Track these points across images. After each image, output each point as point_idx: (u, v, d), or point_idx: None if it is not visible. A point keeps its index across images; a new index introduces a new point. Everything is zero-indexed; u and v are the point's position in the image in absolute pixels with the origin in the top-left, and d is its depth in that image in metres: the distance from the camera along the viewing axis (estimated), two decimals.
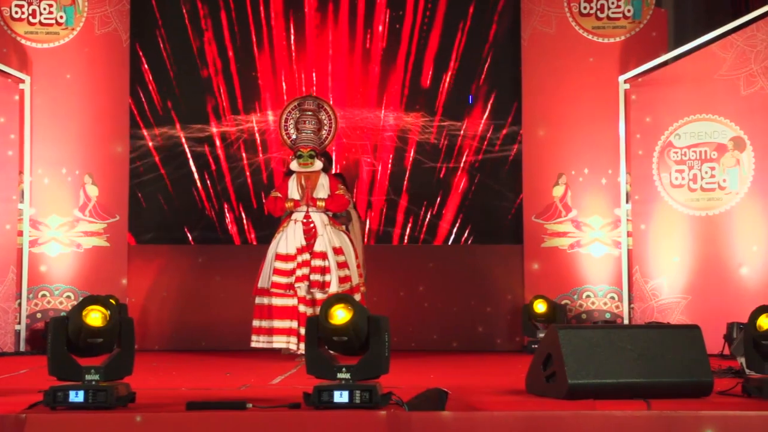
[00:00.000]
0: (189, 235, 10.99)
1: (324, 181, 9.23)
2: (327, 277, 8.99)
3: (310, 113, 9.33)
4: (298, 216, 9.15)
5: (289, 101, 9.72)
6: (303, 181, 9.21)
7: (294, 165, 9.27)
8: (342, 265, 9.09)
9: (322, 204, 9.16)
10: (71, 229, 10.49)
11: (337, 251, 9.10)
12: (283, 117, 9.48)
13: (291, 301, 9.01)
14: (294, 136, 9.37)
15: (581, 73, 10.54)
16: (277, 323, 9.00)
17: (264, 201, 9.64)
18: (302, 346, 8.54)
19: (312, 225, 9.11)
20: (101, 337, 5.20)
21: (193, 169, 10.98)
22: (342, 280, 9.04)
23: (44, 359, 5.29)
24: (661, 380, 5.55)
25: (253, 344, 9.08)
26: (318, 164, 9.22)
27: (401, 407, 5.06)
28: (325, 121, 9.41)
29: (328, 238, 9.10)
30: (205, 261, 10.92)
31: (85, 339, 5.19)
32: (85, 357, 5.27)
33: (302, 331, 8.71)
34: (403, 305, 10.69)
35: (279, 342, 8.99)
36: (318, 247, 9.04)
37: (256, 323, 9.09)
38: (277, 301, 9.04)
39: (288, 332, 8.98)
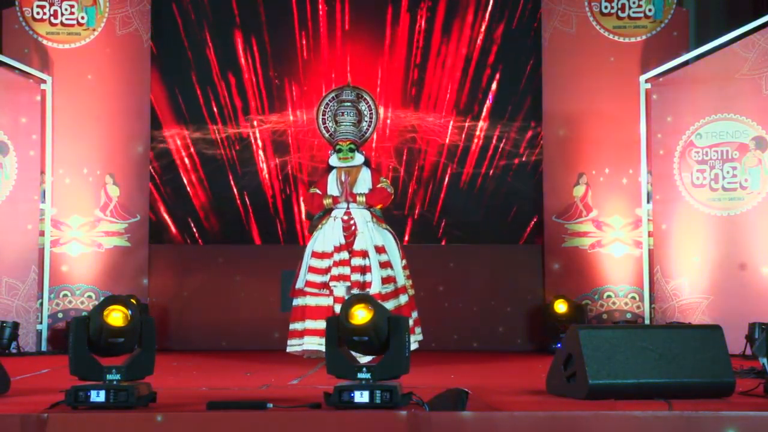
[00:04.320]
0: (210, 234, 11.00)
1: (366, 175, 8.70)
2: (367, 277, 8.41)
3: (348, 104, 8.80)
4: (338, 213, 8.61)
5: (326, 92, 9.21)
6: (343, 177, 8.66)
7: (333, 160, 8.73)
8: (384, 265, 8.49)
9: (362, 200, 8.60)
10: (92, 229, 10.53)
11: (380, 250, 8.52)
12: (320, 109, 8.97)
13: (326, 301, 8.46)
14: (332, 129, 8.87)
15: (602, 72, 10.52)
16: (310, 324, 8.41)
17: (302, 198, 9.19)
18: None
19: (352, 222, 8.56)
20: (122, 336, 5.23)
21: (215, 168, 10.99)
22: (385, 280, 8.45)
23: (66, 359, 5.32)
24: (682, 380, 5.54)
25: (289, 349, 8.52)
26: (359, 158, 8.69)
27: (422, 407, 5.06)
28: (365, 113, 8.88)
29: (369, 235, 8.54)
30: (225, 261, 10.94)
31: (106, 339, 5.21)
32: (106, 357, 5.30)
33: None
34: (423, 305, 10.63)
35: (310, 344, 8.38)
36: (358, 245, 8.49)
37: (292, 326, 8.55)
38: (310, 301, 8.49)
39: (322, 334, 8.09)
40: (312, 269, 8.50)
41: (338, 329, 5.32)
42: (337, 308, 8.24)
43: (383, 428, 4.88)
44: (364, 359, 6.75)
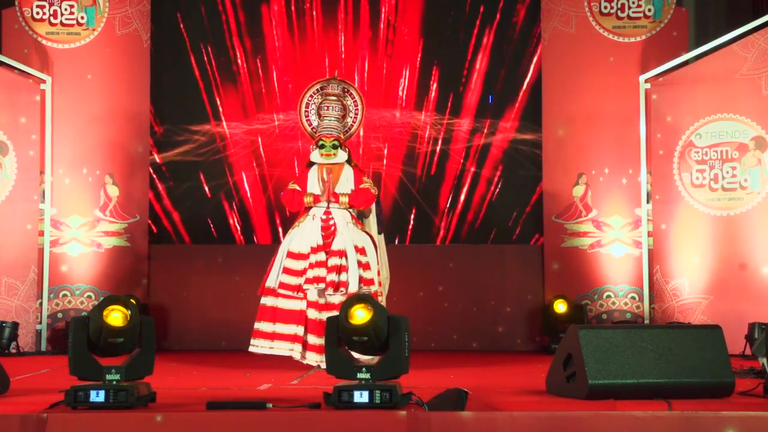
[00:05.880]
0: (210, 234, 11.00)
1: (348, 174, 8.31)
2: (343, 277, 8.01)
3: (334, 98, 8.41)
4: (318, 212, 8.20)
5: (310, 84, 8.75)
6: (325, 174, 8.26)
7: (315, 156, 8.32)
8: (364, 267, 8.07)
9: (345, 200, 8.19)
10: (92, 229, 10.53)
11: (359, 251, 8.10)
12: (304, 102, 8.58)
13: (299, 305, 8.05)
14: (315, 124, 8.49)
15: (601, 72, 10.52)
16: (281, 327, 8.04)
17: (281, 194, 8.72)
18: (308, 355, 7.94)
19: (332, 222, 8.16)
20: (122, 336, 5.23)
21: (215, 167, 10.99)
22: (364, 281, 8.06)
23: (65, 359, 5.32)
24: (682, 380, 5.54)
25: (252, 349, 8.13)
26: (342, 155, 8.29)
27: (421, 407, 5.06)
28: (350, 107, 8.51)
29: (349, 236, 8.12)
30: (225, 261, 10.94)
31: (105, 339, 5.21)
32: (105, 357, 5.30)
33: (309, 339, 7.98)
34: (423, 305, 10.68)
35: (281, 349, 8.02)
36: (336, 245, 8.08)
37: (258, 326, 8.15)
38: (283, 303, 8.08)
39: (292, 339, 8.00)
40: (287, 270, 8.10)
41: (338, 329, 5.32)
42: (310, 313, 8.03)
43: (383, 428, 4.88)
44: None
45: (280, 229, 10.90)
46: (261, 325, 8.14)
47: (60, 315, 10.39)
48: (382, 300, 8.33)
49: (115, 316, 5.20)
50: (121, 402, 5.05)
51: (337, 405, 5.04)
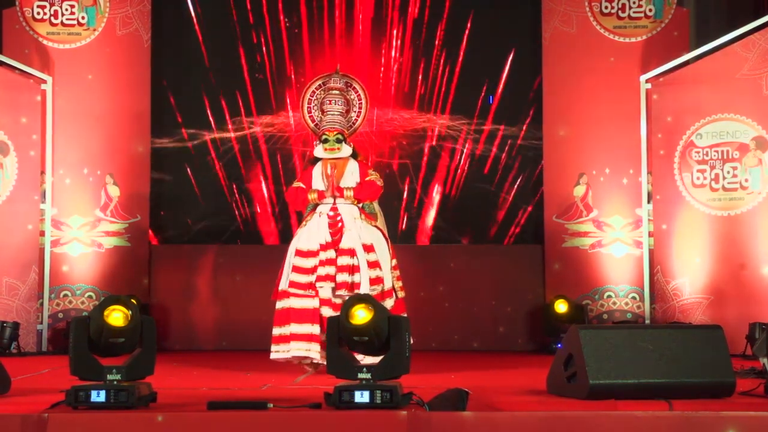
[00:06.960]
0: (210, 234, 11.00)
1: (353, 168, 8.06)
2: (356, 277, 7.77)
3: (336, 92, 8.22)
4: (324, 209, 7.95)
5: (312, 80, 8.64)
6: (329, 169, 8.02)
7: (318, 151, 8.09)
8: (373, 265, 7.83)
9: (350, 194, 7.94)
10: (93, 229, 10.53)
11: (368, 248, 7.86)
12: (306, 97, 8.44)
13: (311, 303, 7.77)
14: (318, 119, 8.31)
15: (602, 72, 10.52)
16: (296, 327, 7.75)
17: (284, 193, 8.58)
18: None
19: (339, 219, 7.91)
20: (123, 336, 5.23)
21: (215, 167, 10.99)
22: (373, 281, 7.79)
23: (66, 359, 5.33)
24: (683, 381, 5.54)
25: (273, 356, 7.83)
26: (346, 149, 8.05)
27: (422, 407, 5.06)
28: (354, 102, 8.34)
29: (357, 233, 7.89)
30: (226, 261, 10.93)
31: (106, 339, 5.22)
32: (106, 357, 5.30)
33: (324, 337, 7.41)
34: (424, 305, 10.65)
35: (298, 350, 7.72)
36: (345, 243, 7.83)
37: (276, 331, 7.86)
38: (295, 303, 7.79)
39: (308, 338, 7.70)
40: (296, 269, 7.84)
41: (339, 329, 5.32)
42: (324, 311, 7.74)
43: (383, 428, 4.88)
44: None
45: (281, 229, 10.91)
46: (279, 330, 7.86)
47: (61, 315, 10.39)
48: (400, 295, 8.08)
49: (116, 316, 5.20)
50: (122, 402, 5.05)
51: (338, 405, 5.04)
